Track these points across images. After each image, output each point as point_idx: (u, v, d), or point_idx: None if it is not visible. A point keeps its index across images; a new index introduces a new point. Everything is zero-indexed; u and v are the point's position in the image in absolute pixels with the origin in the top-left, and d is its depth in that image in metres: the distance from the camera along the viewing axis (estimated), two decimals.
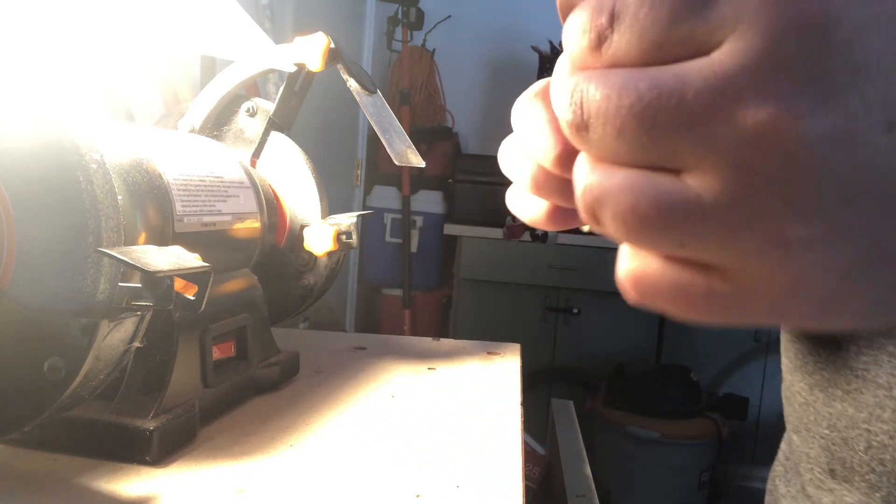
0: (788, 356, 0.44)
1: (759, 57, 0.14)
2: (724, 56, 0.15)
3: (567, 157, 0.19)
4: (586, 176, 0.17)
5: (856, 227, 0.15)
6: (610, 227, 0.17)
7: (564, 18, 0.18)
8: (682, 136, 0.15)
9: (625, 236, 0.17)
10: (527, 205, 0.24)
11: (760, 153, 0.15)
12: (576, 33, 0.17)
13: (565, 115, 0.17)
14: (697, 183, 0.15)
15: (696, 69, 0.15)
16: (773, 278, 0.16)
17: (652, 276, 0.17)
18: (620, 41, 0.16)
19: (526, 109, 0.21)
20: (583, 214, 0.18)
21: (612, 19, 0.16)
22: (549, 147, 0.20)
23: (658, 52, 0.16)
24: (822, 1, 0.14)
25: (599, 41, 0.16)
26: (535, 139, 0.20)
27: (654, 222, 0.16)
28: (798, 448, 0.43)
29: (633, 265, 0.18)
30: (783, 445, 0.48)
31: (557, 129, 0.19)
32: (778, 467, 0.48)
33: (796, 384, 0.42)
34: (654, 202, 0.16)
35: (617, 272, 0.18)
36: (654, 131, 0.15)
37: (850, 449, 0.38)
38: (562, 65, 0.18)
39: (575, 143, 0.17)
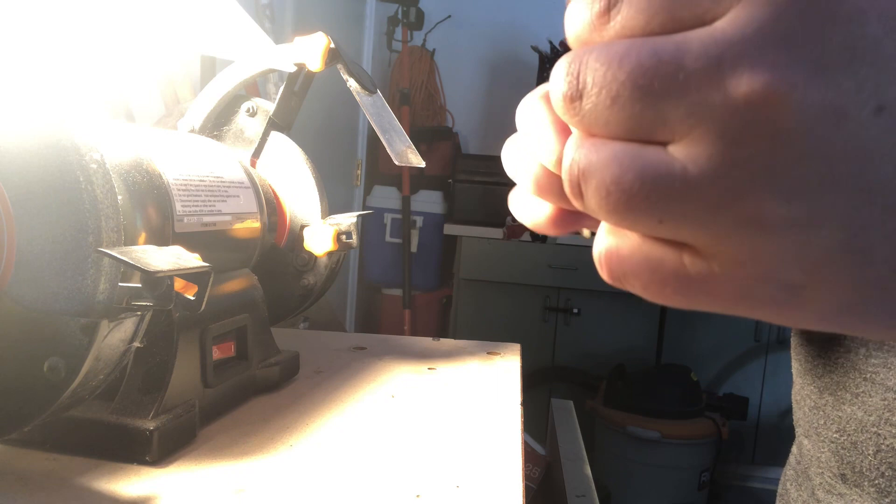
0: (798, 359, 0.44)
1: (759, 27, 0.15)
2: (726, 24, 0.15)
3: None
4: (574, 151, 0.17)
5: (834, 212, 0.15)
6: (592, 202, 0.17)
7: None
8: (675, 102, 0.15)
9: (606, 211, 0.17)
10: (529, 208, 0.24)
11: (750, 123, 0.15)
12: (583, 6, 0.17)
13: (561, 87, 0.17)
14: (684, 154, 0.16)
15: (697, 36, 0.15)
16: (746, 260, 0.16)
17: (625, 253, 0.18)
18: (628, 10, 0.16)
19: (531, 109, 0.21)
20: (568, 190, 0.18)
21: None
22: (552, 147, 0.20)
23: (664, 21, 0.16)
24: None
25: (609, 6, 0.16)
26: (539, 138, 0.20)
27: (636, 195, 0.16)
28: (809, 452, 0.43)
29: (608, 242, 0.18)
30: (794, 449, 0.48)
31: (561, 128, 0.20)
32: (789, 471, 0.48)
33: (806, 387, 0.42)
34: (638, 174, 0.16)
35: (593, 251, 0.19)
36: (649, 98, 0.16)
37: (860, 453, 0.38)
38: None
39: (567, 117, 0.17)
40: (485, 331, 2.40)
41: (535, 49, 2.46)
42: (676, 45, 0.15)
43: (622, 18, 0.16)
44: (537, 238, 2.38)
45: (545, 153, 0.20)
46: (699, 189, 0.15)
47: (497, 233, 2.42)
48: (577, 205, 0.17)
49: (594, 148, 0.17)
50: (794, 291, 0.16)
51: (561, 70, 0.17)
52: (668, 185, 0.16)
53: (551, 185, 0.22)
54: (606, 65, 0.16)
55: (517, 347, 0.72)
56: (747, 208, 0.15)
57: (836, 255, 0.15)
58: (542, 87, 0.21)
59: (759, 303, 0.16)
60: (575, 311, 2.41)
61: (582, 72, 0.16)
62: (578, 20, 0.17)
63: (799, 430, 0.45)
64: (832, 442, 0.40)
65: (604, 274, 0.18)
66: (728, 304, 0.17)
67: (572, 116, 0.17)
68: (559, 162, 0.20)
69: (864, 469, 0.38)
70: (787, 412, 2.64)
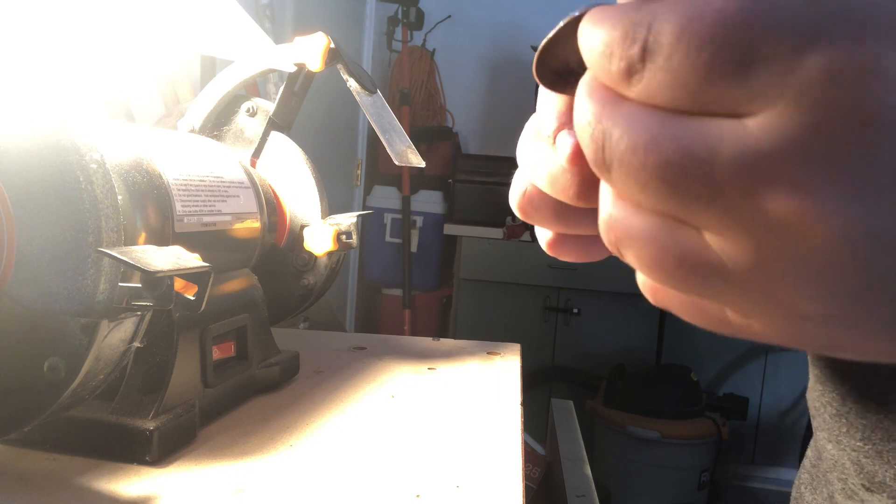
0: (818, 366, 0.43)
1: (797, 144, 0.14)
2: (761, 131, 0.14)
3: (588, 189, 0.18)
4: (609, 206, 0.17)
5: (872, 314, 0.15)
6: (634, 266, 0.17)
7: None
8: (706, 205, 0.15)
9: (647, 276, 0.17)
10: (565, 246, 0.23)
11: (782, 238, 0.14)
12: (603, 55, 0.16)
13: (585, 150, 0.16)
14: (719, 247, 0.15)
15: (729, 138, 0.14)
16: (783, 331, 0.16)
17: (671, 293, 0.18)
18: (652, 80, 0.15)
19: (534, 147, 0.20)
20: (606, 243, 0.17)
21: (644, 54, 0.15)
22: (568, 182, 0.19)
23: (689, 102, 0.15)
24: (873, 99, 0.13)
25: (629, 73, 0.15)
26: (550, 174, 0.19)
27: (674, 276, 0.16)
28: (831, 457, 0.42)
29: (650, 280, 0.18)
30: (809, 453, 0.47)
31: (576, 162, 0.19)
32: (804, 475, 0.47)
33: (827, 394, 0.42)
34: (675, 259, 0.16)
35: (638, 280, 0.18)
36: (678, 195, 0.15)
37: (885, 462, 0.37)
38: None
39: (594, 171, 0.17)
40: (485, 331, 2.40)
41: (535, 49, 2.46)
42: (707, 144, 0.14)
43: (644, 89, 0.15)
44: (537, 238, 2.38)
45: (561, 190, 0.19)
46: (734, 281, 0.15)
47: (497, 233, 2.42)
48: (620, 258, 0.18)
49: (629, 213, 0.16)
50: (833, 348, 0.17)
51: (584, 124, 0.16)
52: (706, 273, 0.16)
53: (575, 215, 0.21)
54: (632, 150, 0.15)
55: (517, 347, 0.72)
56: (782, 303, 0.15)
57: (872, 336, 0.15)
58: (532, 125, 0.20)
59: (800, 347, 0.17)
60: (575, 311, 2.41)
61: (607, 145, 0.16)
62: (599, 68, 0.16)
63: (822, 436, 0.44)
64: (854, 450, 0.39)
65: (651, 301, 0.19)
66: (767, 342, 0.18)
67: (602, 177, 0.16)
68: (578, 195, 0.19)
69: (887, 480, 0.37)
70: (787, 412, 2.63)
